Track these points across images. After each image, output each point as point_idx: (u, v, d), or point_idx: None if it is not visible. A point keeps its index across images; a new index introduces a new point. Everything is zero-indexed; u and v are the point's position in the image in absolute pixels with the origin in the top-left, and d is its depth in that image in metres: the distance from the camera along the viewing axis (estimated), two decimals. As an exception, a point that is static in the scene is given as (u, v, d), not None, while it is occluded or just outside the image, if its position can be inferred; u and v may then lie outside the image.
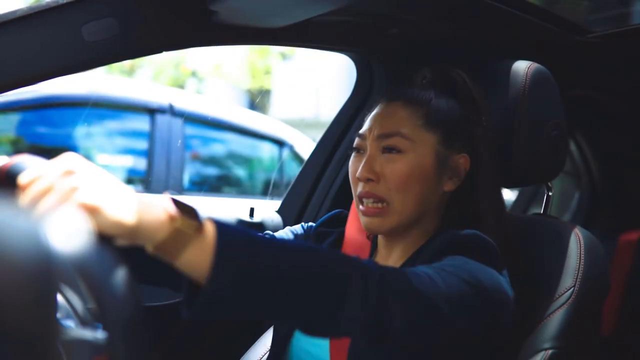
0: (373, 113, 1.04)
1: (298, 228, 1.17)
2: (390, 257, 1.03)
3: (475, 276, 0.82)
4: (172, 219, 0.61)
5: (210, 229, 0.63)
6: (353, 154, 1.04)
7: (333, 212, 1.18)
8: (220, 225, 0.64)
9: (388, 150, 0.98)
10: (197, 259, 0.62)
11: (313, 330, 0.72)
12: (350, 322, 0.69)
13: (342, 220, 1.15)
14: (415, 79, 1.12)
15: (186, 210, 0.62)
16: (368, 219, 0.99)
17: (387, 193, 0.97)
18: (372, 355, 0.91)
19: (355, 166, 1.01)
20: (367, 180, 0.98)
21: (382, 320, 0.71)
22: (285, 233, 1.16)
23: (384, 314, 0.71)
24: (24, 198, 0.58)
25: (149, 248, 0.61)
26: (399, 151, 0.97)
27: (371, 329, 0.72)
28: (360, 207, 0.99)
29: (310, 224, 1.19)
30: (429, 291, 0.76)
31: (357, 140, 1.03)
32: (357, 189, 1.00)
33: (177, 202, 0.63)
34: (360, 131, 1.03)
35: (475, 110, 1.03)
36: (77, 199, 0.57)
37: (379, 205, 0.97)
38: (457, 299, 0.78)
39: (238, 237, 0.65)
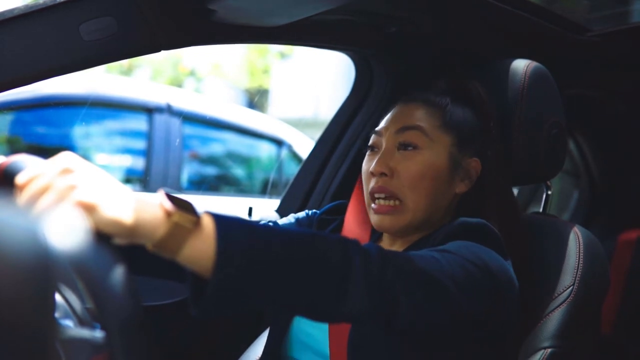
0: (390, 113, 1.05)
1: (302, 215, 1.18)
2: (393, 246, 1.04)
3: (481, 258, 0.82)
4: (169, 214, 0.61)
5: (208, 221, 0.63)
6: (368, 152, 1.04)
7: (335, 202, 1.20)
8: (218, 216, 0.64)
9: (404, 147, 0.99)
10: (199, 251, 0.62)
11: (320, 315, 0.72)
12: (356, 303, 0.69)
13: (343, 210, 1.16)
14: (433, 87, 1.13)
15: (182, 205, 0.62)
16: (379, 217, 0.98)
17: (400, 189, 0.97)
18: (374, 343, 0.91)
19: (368, 164, 1.02)
20: (381, 175, 0.98)
21: (387, 301, 0.71)
22: (289, 220, 1.17)
23: (388, 294, 0.71)
24: (22, 197, 0.58)
25: (149, 246, 0.61)
26: (414, 147, 0.98)
27: (377, 310, 0.71)
28: (372, 205, 0.99)
29: (314, 210, 1.20)
30: (433, 270, 0.76)
31: (373, 138, 1.04)
32: (370, 184, 1.00)
33: (172, 198, 0.63)
34: (377, 128, 1.04)
35: (488, 119, 1.05)
36: (74, 198, 0.57)
37: (392, 202, 0.98)
38: (463, 279, 0.78)
39: (237, 225, 0.65)
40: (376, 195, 0.99)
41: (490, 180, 1.02)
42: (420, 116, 1.01)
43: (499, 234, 0.93)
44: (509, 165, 1.11)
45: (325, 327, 0.98)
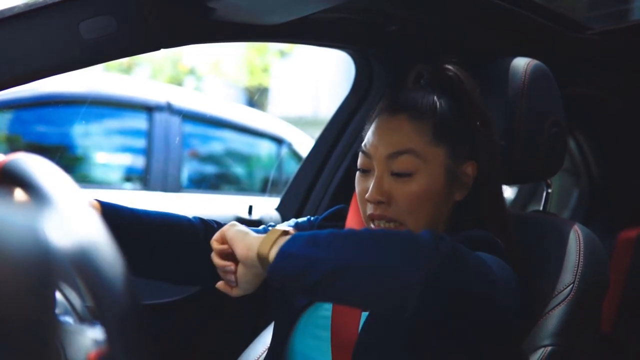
0: (375, 127, 1.00)
1: (303, 220, 1.16)
2: None
3: (502, 266, 0.85)
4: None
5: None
6: (358, 173, 1.01)
7: (335, 207, 1.18)
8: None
9: (398, 174, 0.96)
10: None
11: (383, 278, 0.73)
12: (422, 279, 0.71)
13: (343, 216, 1.15)
14: (410, 79, 1.09)
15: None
16: None
17: (399, 214, 0.96)
18: (379, 355, 0.90)
19: (362, 186, 0.99)
20: (378, 203, 0.96)
21: (455, 274, 0.74)
22: (289, 225, 1.15)
23: (452, 281, 0.74)
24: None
25: None
26: (409, 174, 0.95)
27: (443, 277, 0.73)
28: (372, 225, 0.98)
29: (315, 216, 1.18)
30: (486, 269, 0.79)
31: (362, 158, 1.00)
32: (367, 210, 0.98)
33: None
34: (364, 149, 1.00)
35: (474, 109, 1.01)
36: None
37: (392, 225, 0.97)
38: (503, 284, 0.82)
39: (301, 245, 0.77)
40: (376, 222, 0.98)
41: (487, 182, 1.01)
42: (409, 134, 0.96)
43: (501, 244, 0.93)
44: (501, 164, 1.09)
45: (327, 339, 0.97)
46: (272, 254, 0.77)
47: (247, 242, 0.81)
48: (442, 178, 0.96)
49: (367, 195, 0.96)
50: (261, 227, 1.08)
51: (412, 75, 1.09)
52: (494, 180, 1.02)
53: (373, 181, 0.96)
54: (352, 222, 1.12)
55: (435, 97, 0.99)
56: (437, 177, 0.96)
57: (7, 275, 0.41)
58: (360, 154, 1.01)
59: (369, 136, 1.00)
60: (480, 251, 0.87)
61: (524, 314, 0.87)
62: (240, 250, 0.81)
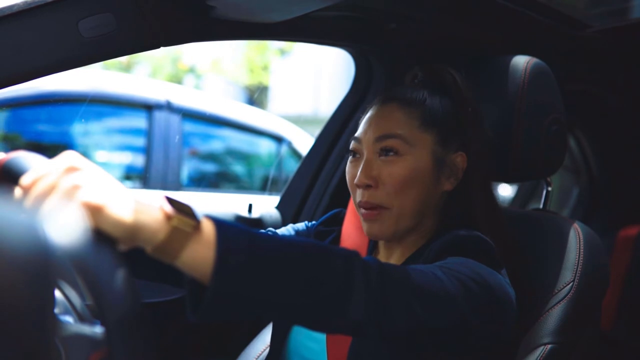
0: (367, 116, 1.02)
1: (301, 226, 1.17)
2: (391, 257, 1.04)
3: (479, 274, 0.82)
4: (169, 218, 0.60)
5: (208, 226, 0.63)
6: (350, 158, 1.02)
7: (332, 211, 1.19)
8: (218, 221, 0.64)
9: (385, 152, 0.97)
10: (198, 256, 0.61)
11: (318, 324, 0.72)
12: (355, 312, 0.69)
13: (340, 219, 1.15)
14: (407, 79, 1.12)
15: (182, 209, 0.62)
16: (368, 225, 0.98)
17: (385, 199, 0.96)
18: (374, 353, 0.90)
19: (352, 172, 1.00)
20: (366, 187, 0.97)
21: (384, 312, 0.71)
22: (288, 230, 1.15)
23: (386, 304, 0.71)
24: (28, 198, 0.58)
25: (149, 250, 0.61)
26: (396, 153, 0.96)
27: (374, 320, 0.71)
28: (362, 210, 0.99)
29: (313, 222, 1.19)
30: (432, 284, 0.76)
31: (352, 144, 1.02)
32: (357, 196, 0.99)
33: (172, 201, 0.62)
34: (356, 134, 1.02)
35: (467, 108, 1.02)
36: (80, 198, 0.56)
37: (376, 210, 0.97)
38: (462, 293, 0.77)
39: (237, 231, 0.65)
40: (364, 210, 0.98)
41: (477, 175, 1.00)
42: (398, 121, 0.98)
43: (492, 244, 0.92)
44: (500, 158, 1.09)
45: (323, 340, 0.98)
46: (186, 262, 0.62)
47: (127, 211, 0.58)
48: (429, 163, 0.97)
49: (356, 179, 0.97)
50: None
51: (408, 77, 1.12)
52: (484, 173, 1.02)
53: (361, 165, 0.97)
54: (349, 226, 1.12)
55: (426, 91, 1.02)
56: (424, 162, 0.97)
57: (7, 274, 0.41)
58: (352, 140, 1.03)
59: (361, 124, 1.03)
60: (467, 254, 0.87)
61: (507, 317, 0.85)
62: (119, 220, 0.58)
